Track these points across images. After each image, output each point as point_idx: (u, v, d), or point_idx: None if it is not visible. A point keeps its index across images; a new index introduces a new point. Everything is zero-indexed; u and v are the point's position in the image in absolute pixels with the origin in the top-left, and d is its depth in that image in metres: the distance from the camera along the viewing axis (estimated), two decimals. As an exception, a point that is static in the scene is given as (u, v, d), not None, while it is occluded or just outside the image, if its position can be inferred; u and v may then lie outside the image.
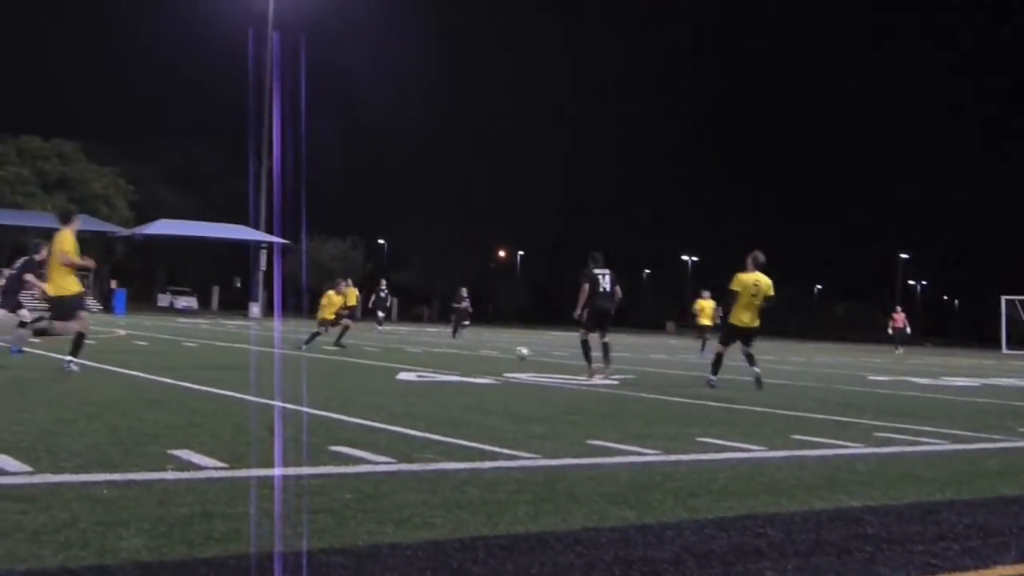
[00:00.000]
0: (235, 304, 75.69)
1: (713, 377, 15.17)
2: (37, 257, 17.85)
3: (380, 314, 39.85)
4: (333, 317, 23.40)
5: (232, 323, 46.68)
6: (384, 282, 41.60)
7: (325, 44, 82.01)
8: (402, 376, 14.67)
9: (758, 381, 15.05)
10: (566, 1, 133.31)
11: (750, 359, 15.37)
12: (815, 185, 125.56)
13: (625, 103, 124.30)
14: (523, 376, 16.13)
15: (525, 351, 22.66)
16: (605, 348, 16.41)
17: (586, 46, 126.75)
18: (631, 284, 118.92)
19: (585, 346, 16.57)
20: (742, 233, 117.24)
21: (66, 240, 12.88)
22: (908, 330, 46.65)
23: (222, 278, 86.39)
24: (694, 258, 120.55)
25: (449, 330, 38.74)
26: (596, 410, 10.99)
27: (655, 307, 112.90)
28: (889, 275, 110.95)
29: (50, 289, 13.13)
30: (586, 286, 16.37)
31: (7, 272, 18.56)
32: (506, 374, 16.40)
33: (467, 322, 38.54)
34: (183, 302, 77.66)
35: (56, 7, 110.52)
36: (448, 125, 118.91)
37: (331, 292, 24.14)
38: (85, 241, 60.97)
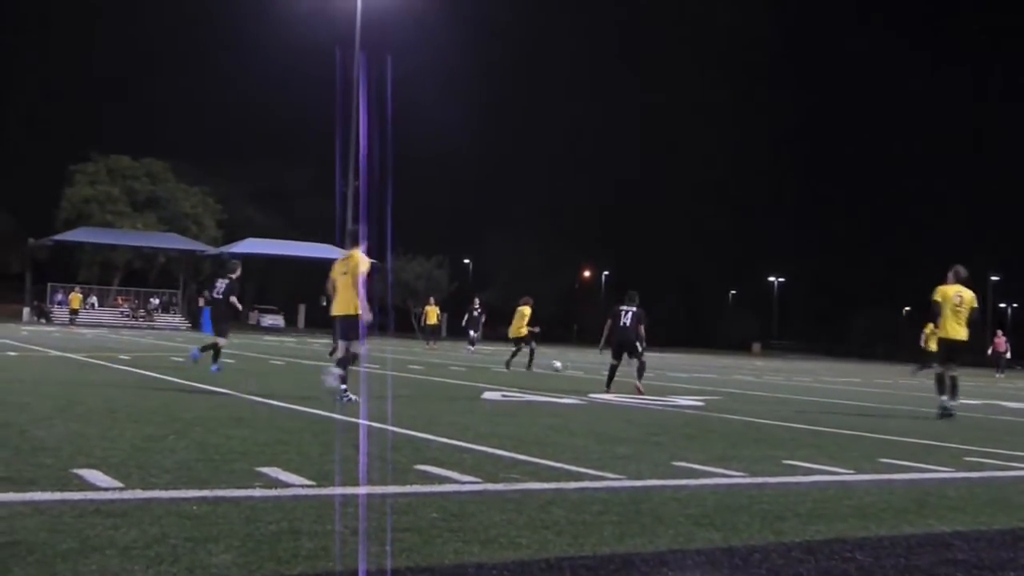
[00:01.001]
0: (321, 322, 76.49)
1: (945, 398, 15.04)
2: (234, 277, 18.14)
3: (472, 333, 37.97)
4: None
5: (318, 342, 47.17)
6: (477, 300, 39.27)
7: (411, 64, 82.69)
8: (487, 395, 14.70)
9: (945, 411, 14.86)
10: (636, 24, 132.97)
11: (953, 386, 15.13)
12: (903, 208, 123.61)
13: (704, 122, 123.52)
14: (609, 397, 16.08)
15: (559, 364, 25.03)
16: (639, 368, 17.84)
17: (663, 65, 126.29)
18: (716, 304, 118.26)
19: (610, 370, 18.11)
20: (828, 256, 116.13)
21: (364, 261, 13.03)
22: (1008, 355, 45.57)
23: (308, 296, 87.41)
24: (780, 279, 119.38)
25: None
26: (681, 431, 10.91)
27: (740, 327, 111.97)
28: (980, 297, 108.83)
29: (338, 308, 13.13)
30: (609, 321, 18.41)
31: (210, 296, 18.30)
32: (591, 395, 16.36)
33: (476, 332, 37.77)
34: (270, 320, 78.82)
35: (146, 29, 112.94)
36: (536, 144, 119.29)
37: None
38: (174, 259, 61.82)
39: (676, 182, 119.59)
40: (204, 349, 17.75)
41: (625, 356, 18.05)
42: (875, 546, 5.18)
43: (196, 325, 61.87)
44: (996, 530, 5.84)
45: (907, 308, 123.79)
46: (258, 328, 72.45)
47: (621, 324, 18.06)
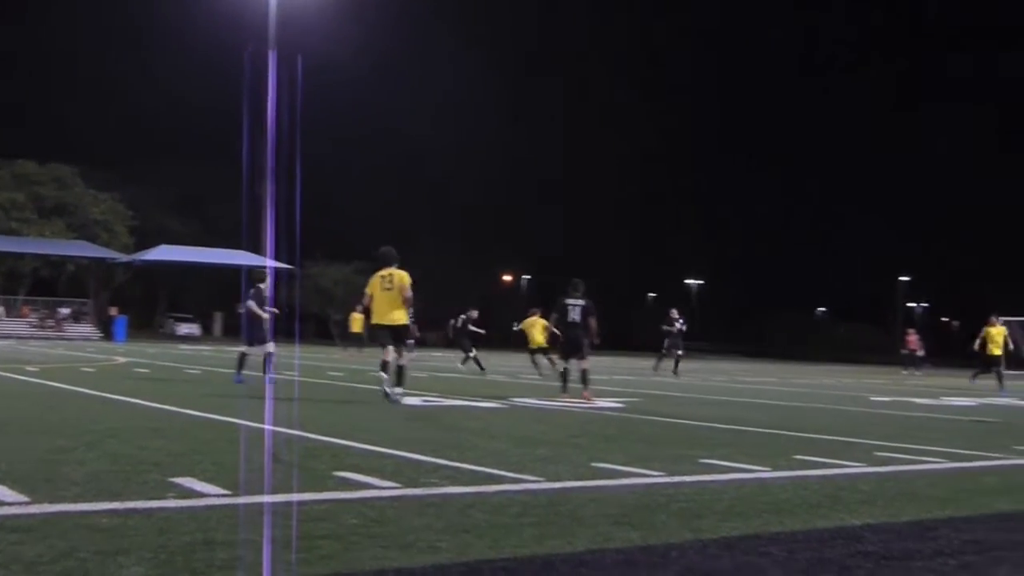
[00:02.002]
0: (238, 330, 75.71)
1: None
2: (262, 286, 18.30)
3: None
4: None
5: (236, 349, 46.70)
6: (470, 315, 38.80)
7: (326, 66, 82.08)
8: (407, 401, 14.63)
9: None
10: (558, 31, 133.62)
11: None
12: (817, 210, 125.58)
13: (620, 125, 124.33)
14: (529, 400, 16.10)
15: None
16: (583, 375, 16.44)
17: (581, 73, 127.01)
18: (634, 307, 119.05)
19: (562, 374, 16.83)
20: (742, 256, 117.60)
21: (407, 277, 14.59)
22: (921, 352, 46.39)
23: (224, 304, 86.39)
24: (699, 281, 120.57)
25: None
26: (601, 433, 10.96)
27: (659, 330, 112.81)
28: (889, 297, 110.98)
29: (391, 319, 14.53)
30: (554, 316, 17.10)
31: (248, 306, 18.25)
32: (512, 398, 16.37)
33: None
34: (185, 328, 77.66)
35: (52, 31, 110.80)
36: (453, 149, 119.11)
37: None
38: (84, 268, 60.69)
39: (593, 185, 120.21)
40: (240, 368, 17.80)
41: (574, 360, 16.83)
42: (789, 540, 5.24)
43: (108, 335, 60.90)
44: (905, 522, 5.95)
45: (821, 309, 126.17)
46: (173, 337, 71.42)
47: (570, 320, 16.70)
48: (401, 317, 14.59)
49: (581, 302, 16.73)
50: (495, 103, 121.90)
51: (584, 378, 16.36)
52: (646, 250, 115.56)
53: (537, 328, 27.07)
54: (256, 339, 18.14)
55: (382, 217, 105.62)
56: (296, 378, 19.62)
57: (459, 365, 27.75)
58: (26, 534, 4.73)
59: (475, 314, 30.12)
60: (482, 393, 17.37)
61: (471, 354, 28.05)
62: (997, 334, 27.59)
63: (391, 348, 14.45)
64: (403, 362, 14.60)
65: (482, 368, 26.92)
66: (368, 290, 14.86)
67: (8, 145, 79.70)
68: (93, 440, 8.48)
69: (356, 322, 43.05)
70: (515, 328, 28.25)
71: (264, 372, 17.48)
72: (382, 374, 14.48)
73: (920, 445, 10.60)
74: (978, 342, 28.09)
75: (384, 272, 14.70)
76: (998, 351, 27.37)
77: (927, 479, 8.09)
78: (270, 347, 17.88)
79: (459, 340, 29.41)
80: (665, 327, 31.84)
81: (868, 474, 8.16)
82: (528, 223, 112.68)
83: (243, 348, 18.21)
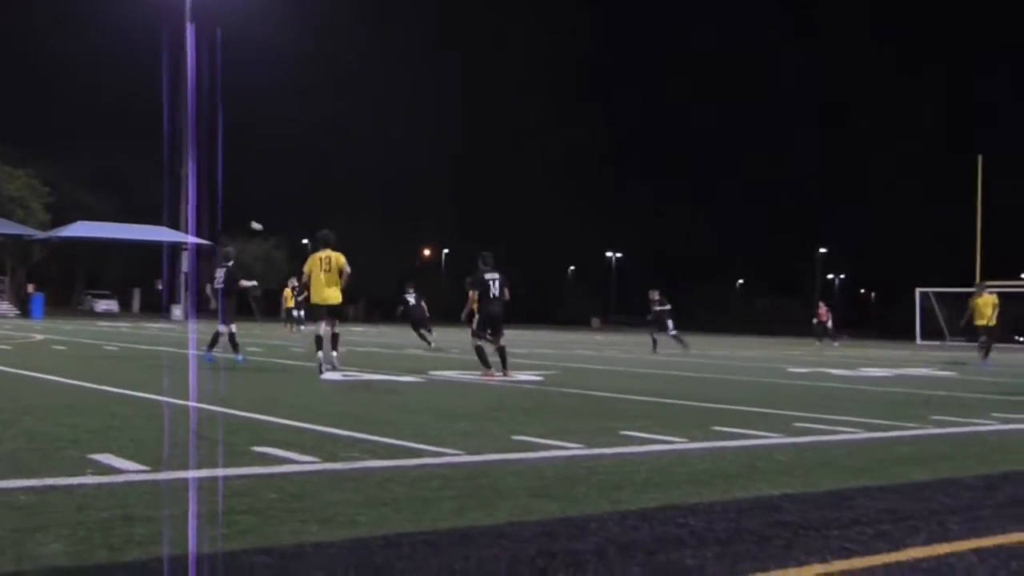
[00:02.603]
0: (157, 306, 74.66)
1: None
2: (230, 265, 18.34)
3: (297, 314, 38.19)
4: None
5: (154, 326, 46.14)
6: (294, 281, 38.67)
7: (246, 42, 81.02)
8: (327, 376, 14.60)
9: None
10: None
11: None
12: (735, 180, 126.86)
13: (539, 98, 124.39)
14: (448, 374, 16.14)
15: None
16: (502, 353, 16.20)
17: (489, 34, 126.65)
18: (556, 281, 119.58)
19: (479, 351, 16.21)
20: (664, 228, 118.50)
21: (343, 258, 15.74)
22: (830, 324, 46.98)
23: (143, 280, 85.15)
24: (619, 254, 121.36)
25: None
26: (520, 406, 11.04)
27: (579, 303, 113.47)
28: (809, 269, 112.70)
29: (329, 298, 15.69)
30: (473, 293, 16.62)
31: (213, 288, 18.20)
32: (431, 372, 16.39)
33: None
34: (103, 305, 76.55)
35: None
36: (370, 123, 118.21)
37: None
38: (0, 245, 59.13)
39: (512, 158, 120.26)
40: (211, 346, 17.71)
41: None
42: (707, 511, 5.34)
43: (25, 312, 59.78)
44: (822, 491, 6.08)
45: (740, 281, 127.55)
46: (91, 313, 70.33)
47: (492, 295, 16.27)
48: (337, 296, 15.76)
49: (496, 274, 16.40)
50: (413, 75, 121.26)
51: (504, 356, 16.18)
52: (566, 223, 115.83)
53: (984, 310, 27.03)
54: (229, 320, 17.98)
55: (299, 193, 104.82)
56: (217, 353, 19.41)
57: (431, 345, 27.12)
58: (-59, 513, 4.69)
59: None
60: (401, 367, 17.37)
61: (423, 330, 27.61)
62: (984, 304, 27.07)
63: (324, 324, 15.57)
64: (337, 330, 15.90)
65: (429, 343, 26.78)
66: (306, 269, 15.91)
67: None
68: (9, 418, 8.37)
69: (290, 298, 42.79)
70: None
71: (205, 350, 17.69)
72: (319, 352, 15.30)
73: (837, 415, 10.81)
74: (966, 316, 27.60)
75: (322, 254, 15.73)
76: (983, 321, 26.94)
77: (844, 449, 8.27)
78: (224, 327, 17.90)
79: (414, 317, 28.48)
80: (655, 309, 31.51)
81: (785, 444, 8.32)
82: (446, 197, 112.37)
83: (220, 328, 17.91)
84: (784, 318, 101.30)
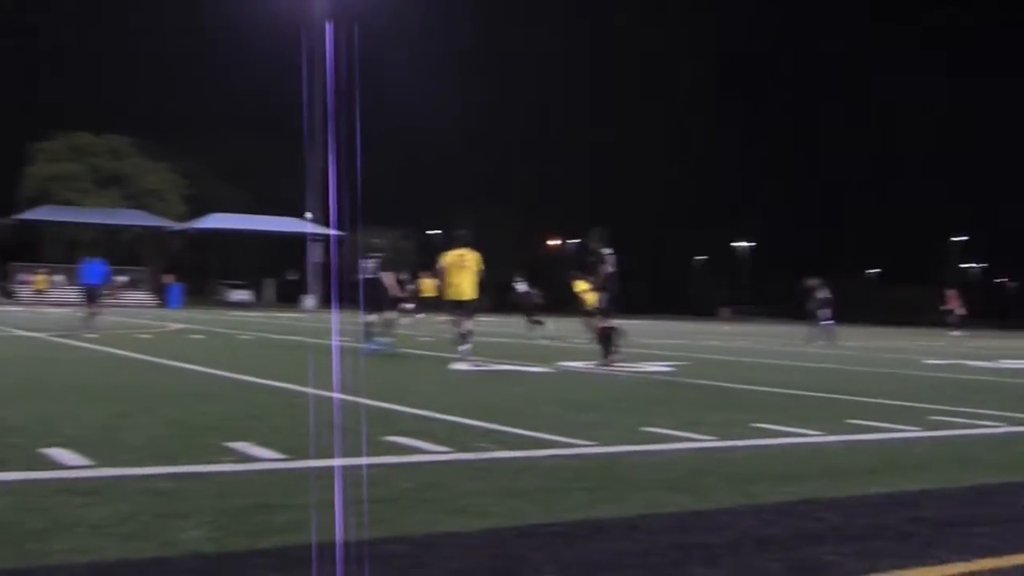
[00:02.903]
0: (289, 297, 76.18)
1: None
2: (380, 256, 19.00)
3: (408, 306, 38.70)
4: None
5: (287, 316, 47.07)
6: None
7: (379, 36, 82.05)
8: (456, 366, 14.71)
9: None
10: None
11: None
12: (872, 168, 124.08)
13: (670, 88, 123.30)
14: (577, 364, 16.12)
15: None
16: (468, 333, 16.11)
17: (629, 23, 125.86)
18: (682, 271, 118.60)
19: (609, 338, 16.18)
20: (794, 218, 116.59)
21: (477, 256, 16.48)
22: (963, 312, 45.39)
23: (276, 271, 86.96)
24: (749, 244, 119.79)
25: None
26: (649, 397, 10.97)
27: (709, 293, 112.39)
28: (946, 258, 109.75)
29: (464, 293, 16.23)
30: (607, 271, 16.17)
31: (361, 278, 18.59)
32: (560, 362, 16.40)
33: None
34: (238, 295, 78.35)
35: (108, 9, 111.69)
36: (501, 114, 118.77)
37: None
38: (140, 236, 61.17)
39: (641, 148, 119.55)
40: (386, 335, 18.26)
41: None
42: (844, 506, 5.23)
43: (163, 302, 61.60)
44: (962, 487, 5.91)
45: (875, 270, 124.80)
46: (226, 303, 72.06)
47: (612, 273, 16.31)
48: (473, 292, 16.35)
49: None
50: (541, 68, 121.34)
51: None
52: (694, 212, 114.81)
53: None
54: (377, 307, 18.53)
55: (428, 183, 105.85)
56: (350, 343, 19.75)
57: (540, 330, 27.71)
58: (91, 497, 4.84)
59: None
60: (530, 357, 17.41)
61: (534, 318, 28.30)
62: None
63: (464, 318, 16.11)
64: (471, 327, 16.18)
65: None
66: (442, 265, 16.57)
67: (65, 117, 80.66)
68: (151, 405, 8.62)
69: (428, 287, 43.15)
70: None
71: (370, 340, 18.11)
72: (460, 347, 15.76)
73: (976, 408, 10.51)
74: None
75: (459, 252, 16.37)
76: None
77: (984, 443, 8.04)
78: (391, 315, 18.68)
79: (524, 304, 29.21)
80: (817, 296, 31.05)
81: (923, 438, 8.11)
82: (575, 188, 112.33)
83: (369, 318, 18.43)
84: (921, 308, 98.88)
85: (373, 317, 18.41)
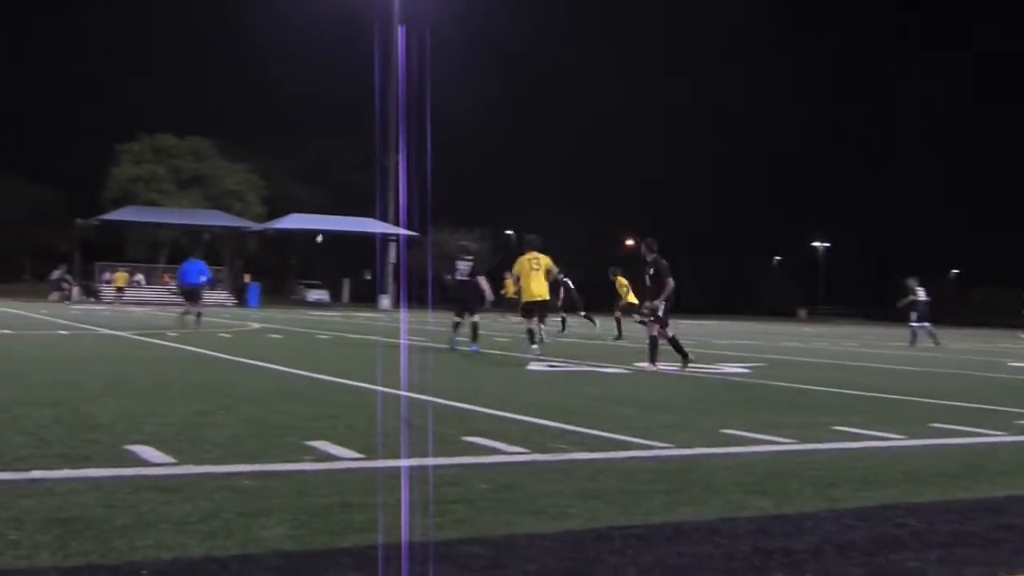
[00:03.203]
0: (365, 296, 76.75)
1: None
2: (472, 259, 19.35)
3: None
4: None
5: (363, 315, 47.41)
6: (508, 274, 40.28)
7: (450, 36, 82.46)
8: (532, 366, 14.71)
9: None
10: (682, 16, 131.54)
11: None
12: (951, 170, 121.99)
13: (746, 86, 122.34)
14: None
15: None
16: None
17: (700, 24, 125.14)
18: (760, 271, 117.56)
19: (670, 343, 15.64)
20: (872, 218, 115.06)
21: (550, 260, 17.62)
22: None
23: (352, 270, 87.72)
24: (826, 244, 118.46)
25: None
26: (728, 399, 10.89)
27: (785, 293, 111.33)
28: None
29: (538, 294, 17.51)
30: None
31: (454, 279, 19.22)
32: (635, 363, 16.32)
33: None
34: (315, 294, 79.20)
35: (183, 8, 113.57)
36: (576, 115, 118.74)
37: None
38: (219, 236, 61.96)
39: (717, 147, 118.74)
40: (475, 338, 18.35)
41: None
42: (928, 511, 5.14)
43: (242, 301, 62.39)
44: (1052, 494, 5.78)
45: (955, 271, 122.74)
46: (303, 303, 72.83)
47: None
48: (545, 293, 17.70)
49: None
50: (616, 66, 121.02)
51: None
52: (771, 211, 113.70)
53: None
54: (469, 308, 18.87)
55: (504, 185, 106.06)
56: (425, 343, 19.86)
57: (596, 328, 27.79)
58: (174, 494, 4.91)
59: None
60: (605, 358, 17.35)
61: (582, 314, 28.31)
62: None
63: (535, 318, 17.64)
64: (543, 326, 17.77)
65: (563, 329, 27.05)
66: (516, 270, 17.99)
67: (148, 119, 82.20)
68: (231, 404, 8.73)
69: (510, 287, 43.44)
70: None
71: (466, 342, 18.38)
72: (532, 345, 17.00)
73: (1062, 413, 10.28)
74: None
75: (531, 255, 17.59)
76: None
77: (1073, 449, 7.86)
78: (476, 317, 18.93)
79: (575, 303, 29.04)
80: (909, 299, 30.64)
81: (1009, 443, 7.96)
82: (653, 188, 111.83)
83: (459, 318, 18.74)
84: (1004, 310, 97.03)
85: (465, 318, 18.67)
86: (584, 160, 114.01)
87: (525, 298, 17.60)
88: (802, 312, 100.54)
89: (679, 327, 16.73)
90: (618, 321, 26.23)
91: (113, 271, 67.86)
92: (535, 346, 16.89)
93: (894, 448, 7.42)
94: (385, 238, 69.20)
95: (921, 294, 30.51)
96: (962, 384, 14.64)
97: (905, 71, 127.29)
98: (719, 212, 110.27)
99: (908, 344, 29.14)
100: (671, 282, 15.19)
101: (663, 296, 15.14)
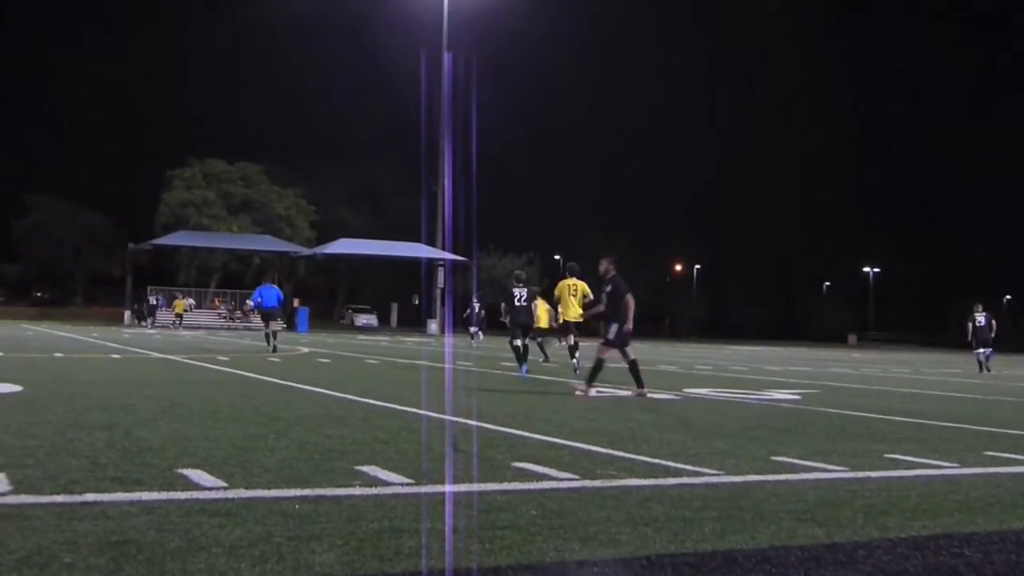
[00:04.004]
0: (414, 321, 77.02)
1: None
2: (524, 285, 20.74)
3: (472, 328, 38.90)
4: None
5: (411, 340, 47.53)
6: (475, 297, 40.80)
7: (497, 64, 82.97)
8: (579, 391, 14.66)
9: None
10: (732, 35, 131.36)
11: None
12: (1002, 195, 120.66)
13: (797, 113, 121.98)
14: (702, 391, 15.97)
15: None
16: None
17: (752, 56, 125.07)
18: (811, 296, 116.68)
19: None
20: (923, 245, 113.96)
21: (587, 287, 19.49)
22: None
23: (401, 295, 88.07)
24: (876, 269, 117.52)
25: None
26: (778, 425, 10.79)
27: (836, 319, 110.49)
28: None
29: (576, 317, 19.60)
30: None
31: (512, 305, 20.19)
32: (685, 389, 16.26)
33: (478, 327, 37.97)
34: (363, 319, 79.62)
35: (239, 37, 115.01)
36: (624, 140, 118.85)
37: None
38: (269, 261, 62.42)
39: (767, 175, 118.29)
40: (521, 360, 19.48)
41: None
42: (984, 542, 5.07)
43: (291, 326, 62.78)
44: (1110, 525, 5.67)
45: (1008, 297, 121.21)
46: (352, 327, 73.14)
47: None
48: (578, 315, 19.50)
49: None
50: (667, 98, 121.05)
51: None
52: (822, 237, 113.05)
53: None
54: (525, 333, 20.13)
55: (553, 209, 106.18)
56: (473, 368, 19.89)
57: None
58: (226, 518, 4.94)
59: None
60: (654, 384, 17.27)
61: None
62: None
63: (572, 336, 20.18)
64: (578, 343, 19.98)
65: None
66: (557, 293, 19.89)
67: (200, 146, 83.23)
68: (282, 428, 8.78)
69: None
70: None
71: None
72: (572, 360, 19.78)
73: (1119, 442, 10.10)
74: None
75: (570, 281, 19.65)
76: None
77: None
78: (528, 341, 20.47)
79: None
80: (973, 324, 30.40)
81: (1065, 472, 7.83)
82: (702, 215, 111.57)
83: (518, 342, 19.68)
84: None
85: (521, 342, 19.67)
86: (632, 185, 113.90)
87: (564, 318, 19.87)
88: (852, 338, 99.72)
89: (727, 352, 16.63)
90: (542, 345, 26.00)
91: (167, 296, 68.60)
92: (575, 360, 19.57)
93: (948, 476, 7.33)
94: (432, 263, 69.42)
95: (980, 320, 30.10)
96: (1018, 411, 14.43)
97: (959, 102, 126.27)
98: (769, 237, 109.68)
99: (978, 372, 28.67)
100: (631, 299, 14.49)
101: (627, 315, 14.45)
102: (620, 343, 14.49)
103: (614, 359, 14.36)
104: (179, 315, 62.50)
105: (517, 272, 21.87)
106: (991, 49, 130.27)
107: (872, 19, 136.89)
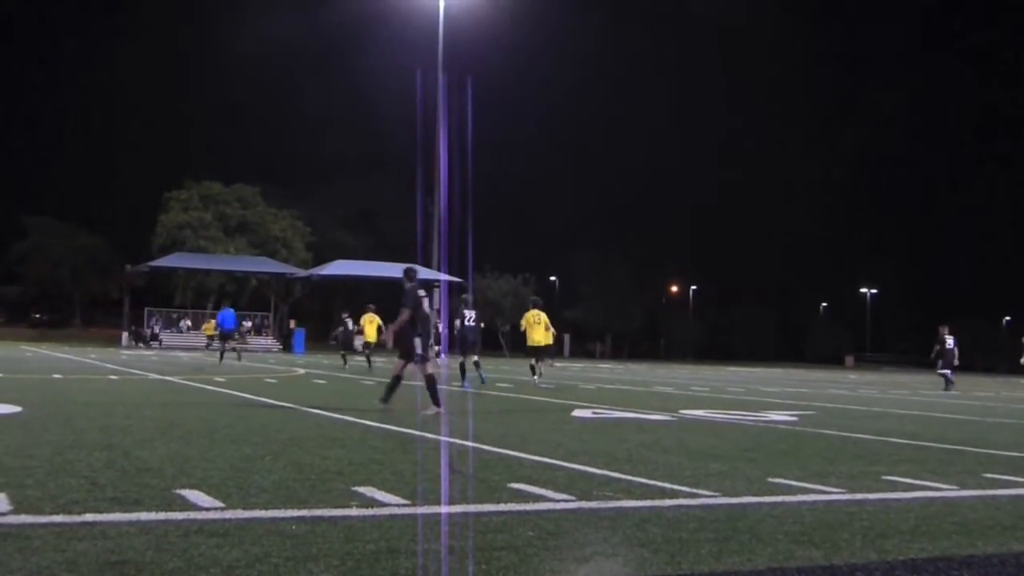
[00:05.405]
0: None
1: None
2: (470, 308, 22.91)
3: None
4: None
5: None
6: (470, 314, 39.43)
7: (493, 84, 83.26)
8: (577, 413, 14.68)
9: None
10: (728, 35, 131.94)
11: None
12: (999, 216, 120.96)
13: (791, 134, 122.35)
14: (699, 413, 15.96)
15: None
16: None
17: (745, 77, 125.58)
18: (807, 318, 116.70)
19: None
20: (923, 265, 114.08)
21: (545, 317, 24.68)
22: None
23: (396, 317, 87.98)
24: (873, 291, 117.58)
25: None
26: (775, 447, 10.79)
27: (832, 341, 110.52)
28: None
29: (540, 341, 24.44)
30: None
31: (462, 324, 22.37)
32: (681, 411, 16.25)
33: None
34: (360, 341, 79.43)
35: (234, 59, 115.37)
36: (620, 162, 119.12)
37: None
38: (265, 282, 62.36)
39: (763, 195, 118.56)
40: (464, 375, 21.45)
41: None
42: (982, 564, 5.07)
43: (287, 347, 62.71)
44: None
45: (1007, 318, 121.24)
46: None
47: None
48: (543, 341, 24.53)
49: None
50: (661, 117, 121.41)
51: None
52: (819, 259, 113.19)
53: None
54: (475, 351, 22.74)
55: (549, 231, 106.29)
56: (467, 389, 19.87)
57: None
58: (223, 538, 4.94)
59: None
60: (650, 405, 17.28)
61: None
62: None
63: (535, 359, 24.32)
64: (542, 366, 24.25)
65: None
66: (523, 323, 24.68)
67: (197, 168, 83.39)
68: (278, 449, 8.77)
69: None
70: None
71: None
72: (534, 376, 23.75)
73: (1117, 464, 10.10)
74: None
75: (534, 312, 24.69)
76: None
77: None
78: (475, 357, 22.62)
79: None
80: (937, 347, 31.12)
81: (1064, 494, 7.82)
82: (697, 235, 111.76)
83: (462, 359, 22.02)
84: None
85: (469, 359, 22.10)
86: (629, 205, 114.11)
87: (529, 343, 24.30)
88: (849, 359, 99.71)
89: (724, 374, 16.64)
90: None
91: (164, 317, 68.48)
92: (536, 377, 23.70)
93: (946, 499, 7.32)
94: (429, 284, 69.41)
95: (949, 342, 30.74)
96: (1017, 433, 14.43)
97: (962, 125, 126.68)
98: (765, 258, 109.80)
99: (943, 391, 29.08)
100: (405, 312, 13.96)
101: (393, 325, 14.23)
102: (422, 358, 14.27)
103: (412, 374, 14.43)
104: (211, 337, 61.92)
105: (464, 296, 23.92)
106: (987, 79, 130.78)
107: (870, 46, 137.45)
